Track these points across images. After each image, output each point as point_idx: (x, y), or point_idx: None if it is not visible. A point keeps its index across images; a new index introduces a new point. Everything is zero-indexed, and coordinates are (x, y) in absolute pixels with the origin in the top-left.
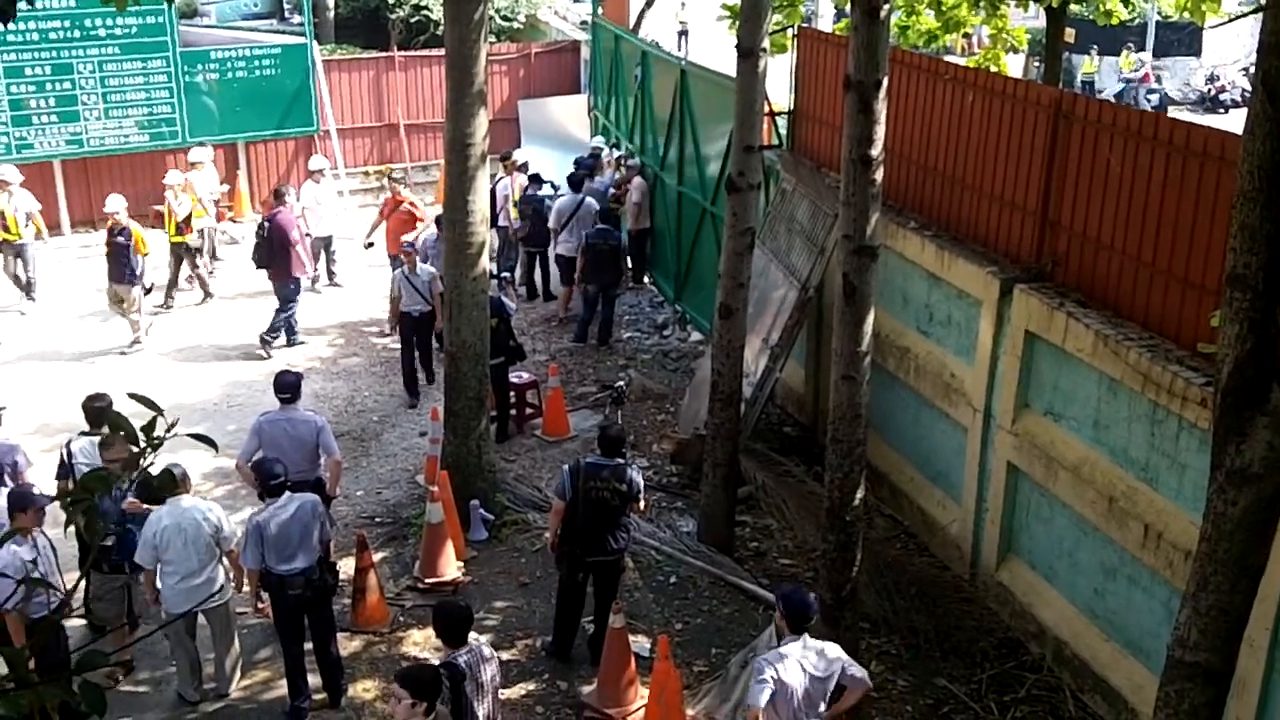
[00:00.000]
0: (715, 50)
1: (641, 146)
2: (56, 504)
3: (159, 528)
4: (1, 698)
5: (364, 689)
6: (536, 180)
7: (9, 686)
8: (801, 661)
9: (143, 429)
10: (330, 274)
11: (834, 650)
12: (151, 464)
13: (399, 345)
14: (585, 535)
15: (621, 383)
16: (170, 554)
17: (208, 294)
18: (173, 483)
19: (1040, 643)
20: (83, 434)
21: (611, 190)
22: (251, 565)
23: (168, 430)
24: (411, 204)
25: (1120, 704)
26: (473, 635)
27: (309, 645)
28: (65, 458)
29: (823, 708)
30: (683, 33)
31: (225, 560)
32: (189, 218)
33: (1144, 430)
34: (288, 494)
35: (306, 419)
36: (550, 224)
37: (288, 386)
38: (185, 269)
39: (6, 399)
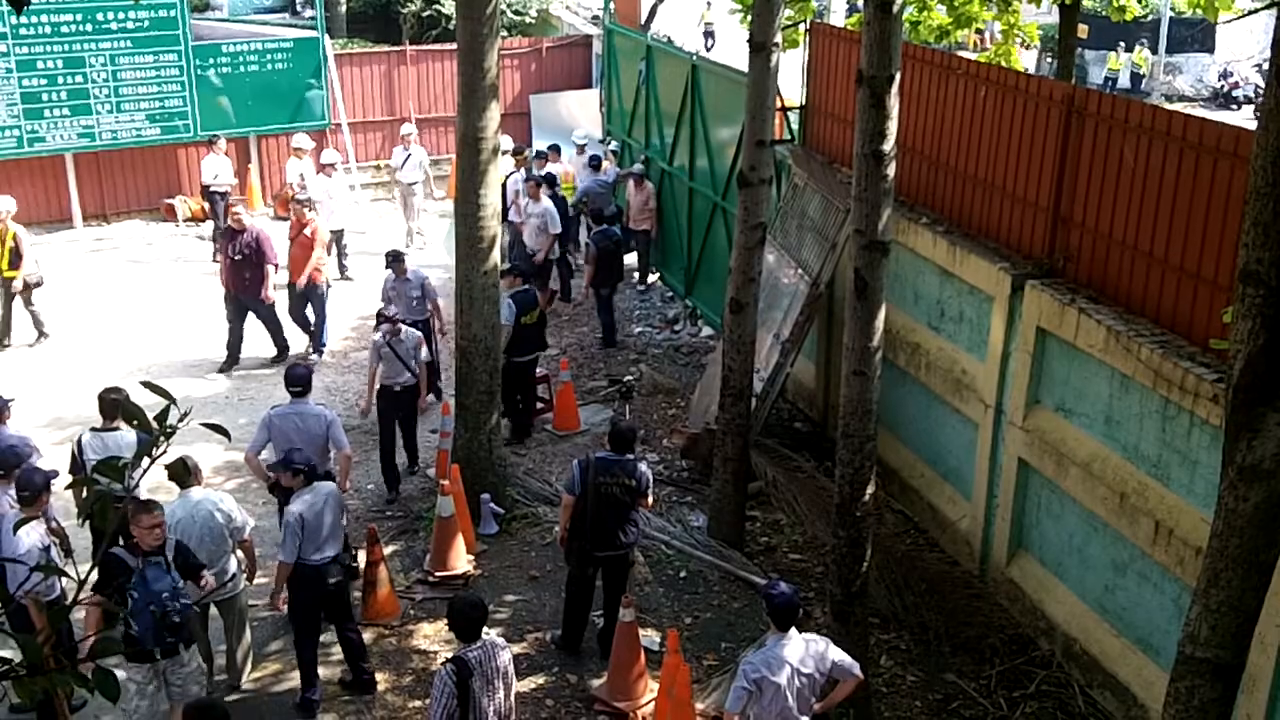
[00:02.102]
0: (742, 49)
1: (646, 142)
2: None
3: (172, 520)
4: (15, 683)
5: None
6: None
7: (22, 672)
8: (790, 659)
9: (156, 418)
10: (342, 268)
11: (822, 644)
12: (164, 454)
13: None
14: (595, 530)
15: (631, 377)
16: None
17: (41, 334)
18: (185, 473)
19: (1050, 639)
20: (93, 429)
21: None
22: (289, 560)
23: (181, 419)
24: (315, 229)
25: (1130, 700)
26: (484, 629)
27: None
28: (76, 453)
29: (815, 703)
30: (709, 33)
31: (238, 551)
32: (18, 251)
33: (1155, 426)
34: (315, 483)
35: (317, 413)
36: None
37: (299, 380)
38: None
39: (19, 392)
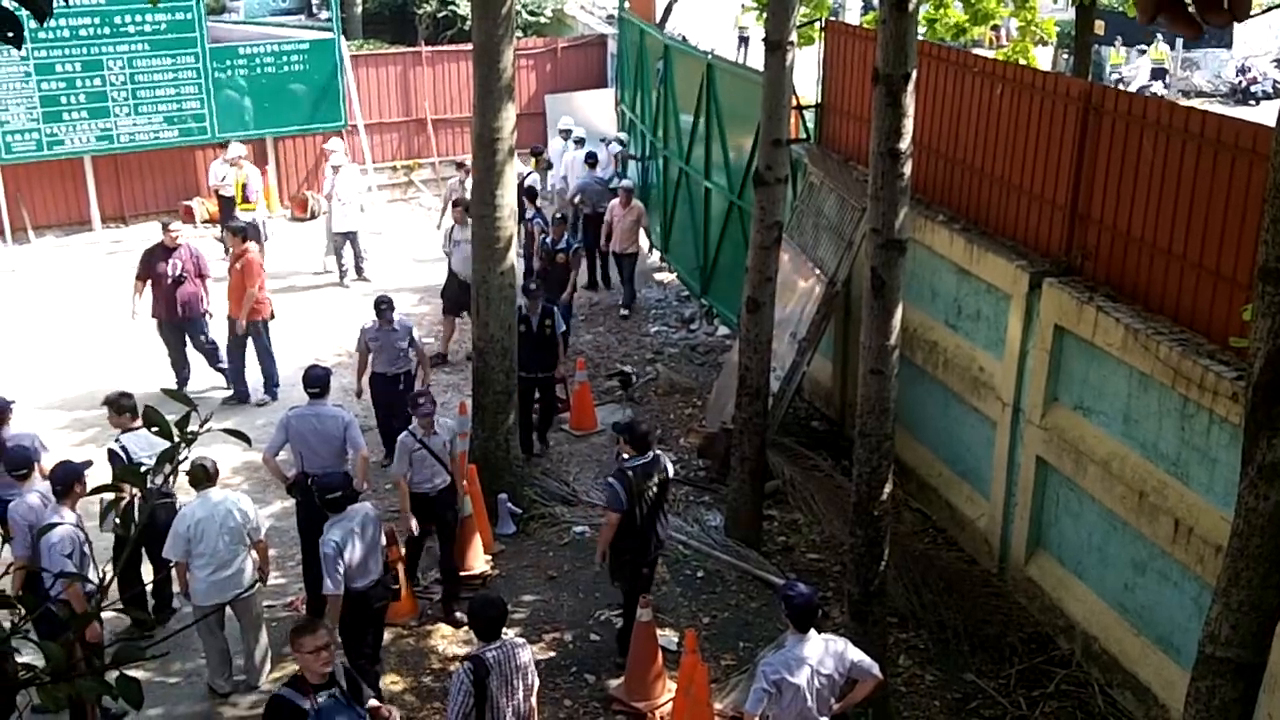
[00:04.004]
0: None
1: (665, 140)
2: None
3: (192, 520)
4: (40, 689)
5: (392, 681)
6: (531, 194)
7: (45, 679)
8: (809, 660)
9: (177, 424)
10: (359, 269)
11: (841, 644)
12: (185, 459)
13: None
14: (644, 538)
15: (629, 368)
16: (203, 546)
17: None
18: (205, 477)
19: (1069, 638)
20: (128, 430)
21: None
22: (339, 589)
23: (201, 425)
24: (248, 261)
25: (1150, 699)
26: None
27: None
28: (122, 455)
29: (834, 703)
30: (743, 38)
31: (254, 552)
32: None
33: (1174, 425)
34: (350, 508)
35: (334, 414)
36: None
37: (317, 381)
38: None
39: (37, 394)
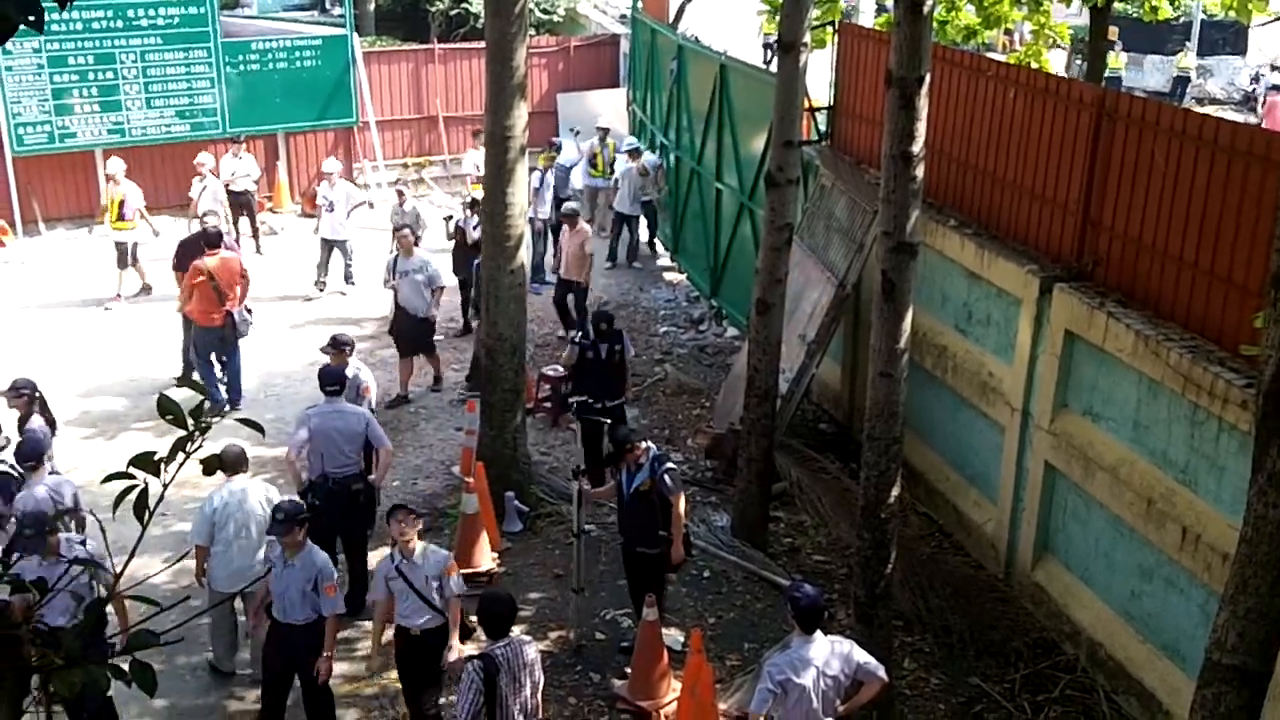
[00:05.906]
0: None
1: (677, 141)
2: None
3: (218, 504)
4: (54, 674)
5: (395, 679)
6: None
7: (59, 664)
8: (815, 661)
9: (191, 413)
10: (347, 276)
11: (847, 646)
12: (199, 448)
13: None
14: None
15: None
16: (227, 532)
17: None
18: (231, 464)
19: (1075, 643)
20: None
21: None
22: (341, 610)
23: (216, 415)
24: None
25: (1155, 706)
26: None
27: None
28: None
29: (839, 705)
30: (768, 45)
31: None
32: None
33: (1184, 432)
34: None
35: (356, 411)
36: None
37: (334, 379)
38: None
39: (48, 387)
